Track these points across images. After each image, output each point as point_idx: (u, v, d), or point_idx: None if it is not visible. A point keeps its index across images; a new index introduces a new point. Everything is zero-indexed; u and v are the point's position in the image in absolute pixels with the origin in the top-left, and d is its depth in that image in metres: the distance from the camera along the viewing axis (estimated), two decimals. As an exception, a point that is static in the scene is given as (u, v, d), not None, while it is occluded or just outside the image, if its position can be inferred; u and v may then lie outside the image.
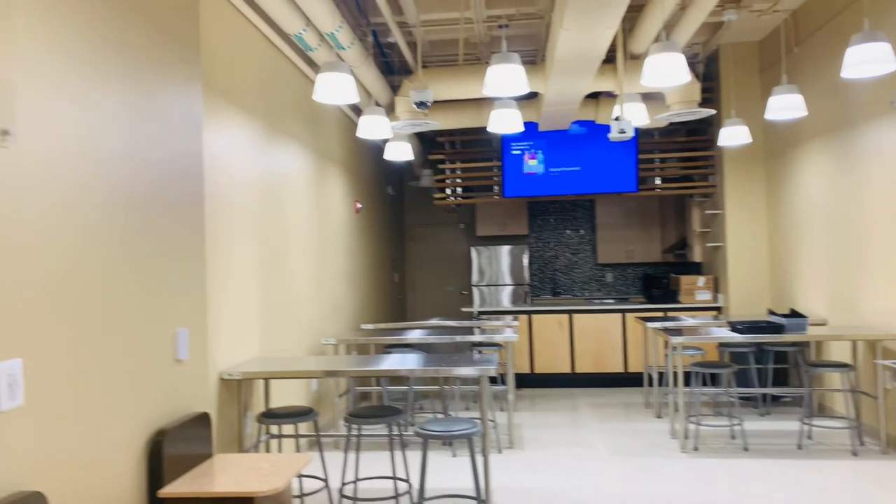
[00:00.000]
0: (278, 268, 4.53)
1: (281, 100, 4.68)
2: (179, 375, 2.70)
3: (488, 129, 4.99)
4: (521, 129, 4.87)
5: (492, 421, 5.32)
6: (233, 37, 3.84)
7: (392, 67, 6.74)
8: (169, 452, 2.51)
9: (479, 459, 4.41)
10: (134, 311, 2.35)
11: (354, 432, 4.98)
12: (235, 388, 3.74)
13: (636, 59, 5.47)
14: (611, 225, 8.92)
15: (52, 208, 1.92)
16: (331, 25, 4.37)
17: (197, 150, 2.88)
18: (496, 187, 7.82)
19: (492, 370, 3.57)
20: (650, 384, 6.83)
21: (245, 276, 3.93)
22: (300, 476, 3.66)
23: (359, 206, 6.94)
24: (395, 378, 6.46)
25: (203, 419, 2.83)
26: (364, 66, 5.25)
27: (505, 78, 3.62)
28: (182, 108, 2.75)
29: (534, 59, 6.71)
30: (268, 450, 4.03)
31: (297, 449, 3.95)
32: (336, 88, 3.71)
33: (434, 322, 6.27)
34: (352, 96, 3.80)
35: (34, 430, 1.82)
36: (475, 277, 8.87)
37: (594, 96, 6.84)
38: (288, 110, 4.83)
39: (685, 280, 7.19)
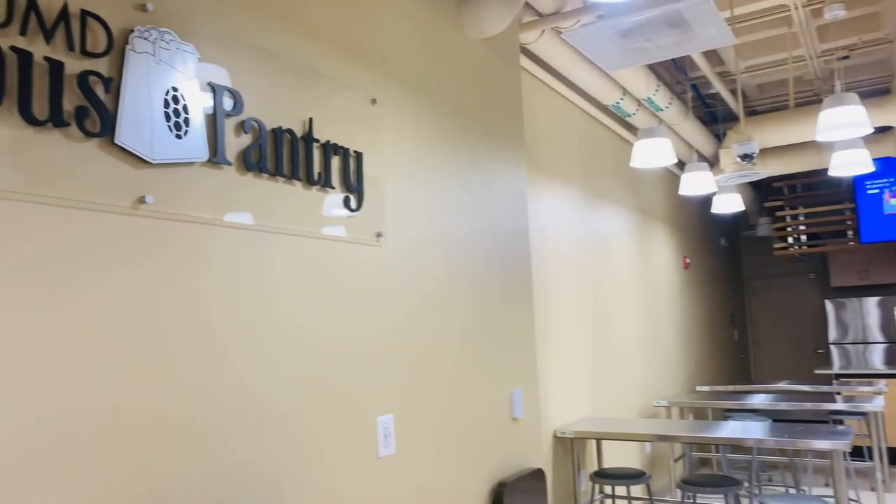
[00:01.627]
0: (605, 328, 4.67)
1: (599, 165, 4.91)
2: (516, 432, 2.98)
3: (829, 173, 4.54)
4: (872, 168, 4.33)
5: (854, 501, 4.64)
6: (551, 115, 4.20)
7: (716, 116, 6.54)
8: (508, 502, 2.78)
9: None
10: (476, 374, 2.70)
11: (689, 500, 4.77)
12: (569, 446, 3.93)
13: None
14: None
15: (412, 288, 2.35)
16: (647, 91, 4.48)
17: (524, 225, 3.22)
18: (850, 232, 6.94)
19: (844, 444, 3.18)
20: None
21: (572, 337, 4.15)
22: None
23: (687, 261, 6.77)
24: (737, 445, 6.03)
25: (538, 474, 3.05)
26: (684, 122, 5.22)
27: (841, 121, 3.32)
28: (510, 188, 3.12)
29: (888, 86, 5.92)
30: (602, 509, 4.12)
31: (632, 511, 3.96)
32: (653, 153, 3.79)
33: (782, 385, 5.73)
34: (670, 158, 3.84)
35: (403, 475, 2.21)
36: (833, 334, 7.85)
37: (974, 117, 5.72)
38: (607, 174, 5.03)
39: None
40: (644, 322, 5.43)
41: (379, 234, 2.19)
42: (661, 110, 4.82)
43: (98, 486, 1.36)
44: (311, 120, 1.95)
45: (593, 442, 4.23)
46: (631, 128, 5.42)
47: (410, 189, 2.39)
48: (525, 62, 3.78)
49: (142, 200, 1.48)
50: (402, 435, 2.22)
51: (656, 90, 4.55)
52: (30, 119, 1.30)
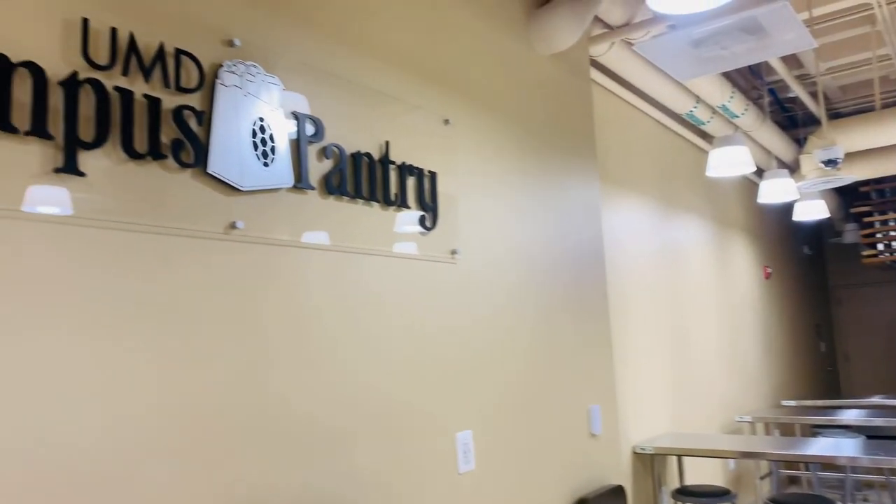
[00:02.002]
0: (684, 341, 4.55)
1: (674, 175, 4.81)
2: (594, 449, 2.94)
3: (922, 176, 4.30)
4: (970, 170, 4.08)
5: (965, 526, 4.34)
6: (624, 126, 4.15)
7: (796, 120, 6.31)
8: (589, 520, 2.74)
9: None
10: (553, 389, 2.69)
11: (781, 520, 4.57)
12: (649, 462, 3.84)
13: None
14: None
15: (487, 304, 2.37)
16: (721, 98, 4.37)
17: (598, 239, 3.19)
18: (947, 237, 6.55)
19: (950, 464, 3.00)
20: None
21: (650, 351, 4.06)
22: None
23: (769, 271, 6.53)
24: (829, 463, 5.75)
25: (618, 491, 3.00)
26: (761, 128, 5.06)
27: (933, 121, 3.15)
28: (584, 201, 3.10)
29: (984, 80, 5.57)
30: (685, 528, 3.99)
31: (716, 531, 3.83)
32: (730, 161, 3.70)
33: (875, 400, 5.44)
34: (748, 166, 3.73)
35: (483, 490, 2.22)
36: (929, 345, 7.41)
37: None
38: (682, 184, 4.92)
39: None
40: (724, 334, 5.27)
41: (454, 252, 2.22)
42: (737, 117, 4.69)
43: (217, 482, 1.43)
44: (387, 143, 2.00)
45: (674, 458, 4.12)
46: (706, 136, 5.29)
47: (484, 206, 2.41)
48: (595, 74, 3.75)
49: (233, 226, 1.55)
50: (482, 451, 2.23)
51: (731, 97, 4.44)
52: (131, 153, 1.39)
